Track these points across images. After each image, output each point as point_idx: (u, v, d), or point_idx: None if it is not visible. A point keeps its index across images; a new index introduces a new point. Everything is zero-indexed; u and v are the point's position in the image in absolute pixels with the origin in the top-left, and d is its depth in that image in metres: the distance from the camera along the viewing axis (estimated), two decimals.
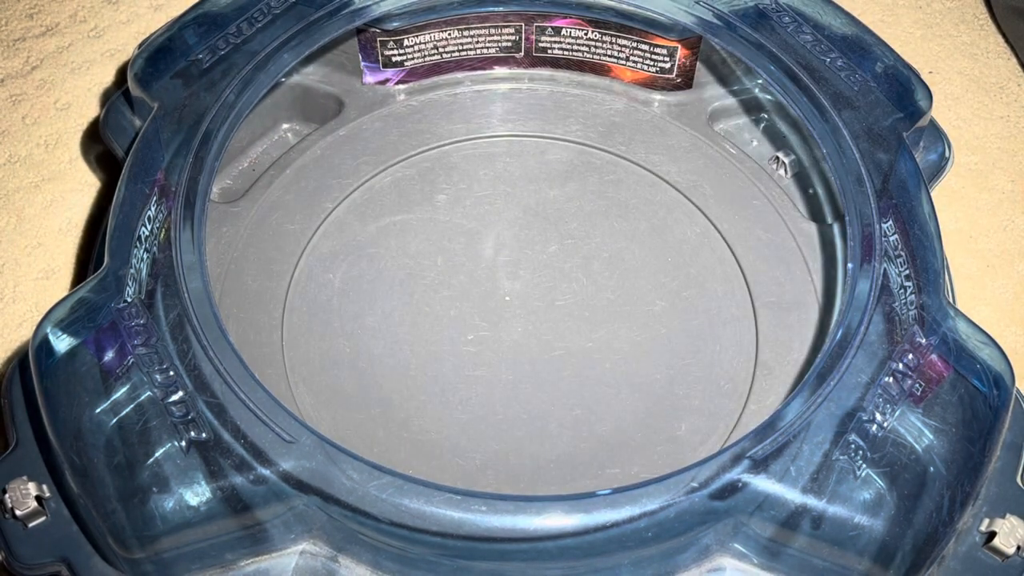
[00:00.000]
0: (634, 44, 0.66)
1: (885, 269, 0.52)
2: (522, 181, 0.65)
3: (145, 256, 0.51)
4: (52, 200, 0.72)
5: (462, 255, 0.62)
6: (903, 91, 0.59)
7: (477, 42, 0.67)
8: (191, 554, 0.47)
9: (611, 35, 0.66)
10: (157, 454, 0.46)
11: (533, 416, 0.57)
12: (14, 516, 0.48)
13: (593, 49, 0.67)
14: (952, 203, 0.73)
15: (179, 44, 0.60)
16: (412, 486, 0.45)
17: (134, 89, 0.59)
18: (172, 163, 0.55)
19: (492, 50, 0.68)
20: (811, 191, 0.65)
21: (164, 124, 0.57)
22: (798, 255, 0.62)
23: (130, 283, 0.51)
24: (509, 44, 0.67)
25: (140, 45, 0.61)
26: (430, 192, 0.65)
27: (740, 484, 0.46)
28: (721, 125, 0.68)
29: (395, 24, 0.64)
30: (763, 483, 0.46)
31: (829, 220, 0.63)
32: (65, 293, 0.53)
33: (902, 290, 0.52)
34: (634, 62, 0.67)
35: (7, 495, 0.48)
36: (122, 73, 0.76)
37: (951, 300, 0.54)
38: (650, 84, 0.68)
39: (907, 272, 0.52)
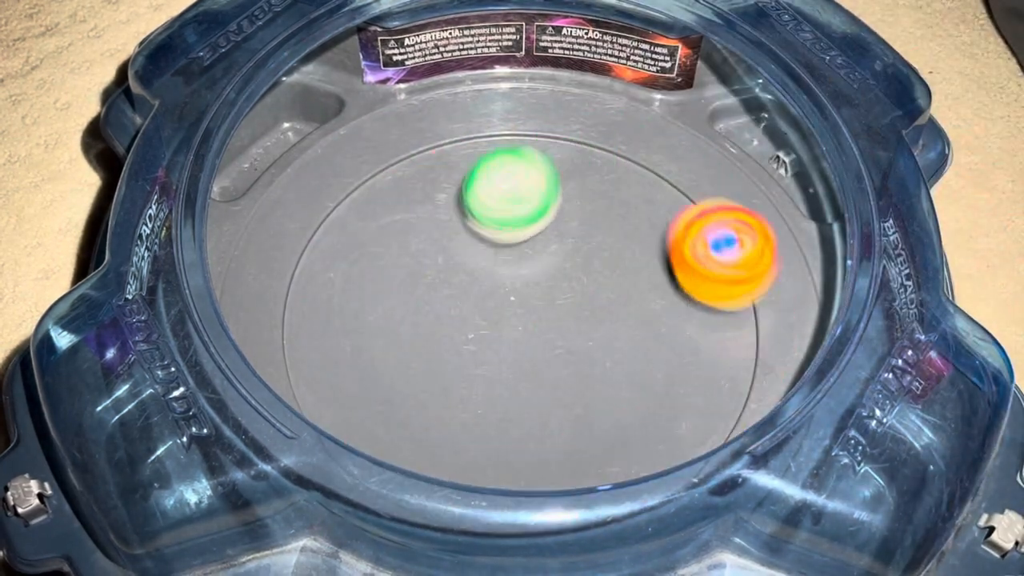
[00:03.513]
0: (635, 43, 0.66)
1: (884, 267, 0.52)
2: None
3: (146, 254, 0.52)
4: (52, 200, 0.72)
5: (463, 254, 0.62)
6: (902, 89, 0.60)
7: (478, 41, 0.67)
8: (192, 550, 0.47)
9: (612, 34, 0.66)
10: (159, 450, 0.46)
11: (533, 415, 0.57)
12: (16, 513, 0.48)
13: (594, 48, 0.67)
14: (952, 203, 0.73)
15: (180, 42, 0.60)
16: (413, 482, 0.45)
17: (135, 87, 0.59)
18: (173, 161, 0.55)
19: (493, 49, 0.68)
20: (811, 190, 0.65)
21: (165, 122, 0.57)
22: (798, 254, 0.62)
23: (131, 280, 0.51)
24: (510, 43, 0.68)
25: (141, 43, 0.61)
26: (431, 191, 0.65)
27: (740, 480, 0.46)
28: (722, 124, 0.68)
29: (396, 23, 0.64)
30: (763, 479, 0.46)
31: (829, 219, 0.63)
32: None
33: (902, 288, 0.52)
34: (635, 61, 0.67)
35: (9, 492, 0.49)
36: (122, 72, 0.76)
37: (951, 298, 0.54)
38: (651, 83, 0.68)
39: (907, 270, 0.52)
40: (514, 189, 0.59)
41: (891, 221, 0.54)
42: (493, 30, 0.67)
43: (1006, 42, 0.82)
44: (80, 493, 0.47)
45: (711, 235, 0.56)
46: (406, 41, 0.66)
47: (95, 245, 0.64)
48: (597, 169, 0.66)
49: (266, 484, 0.46)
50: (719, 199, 0.60)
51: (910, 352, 0.49)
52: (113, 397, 0.47)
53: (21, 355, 0.53)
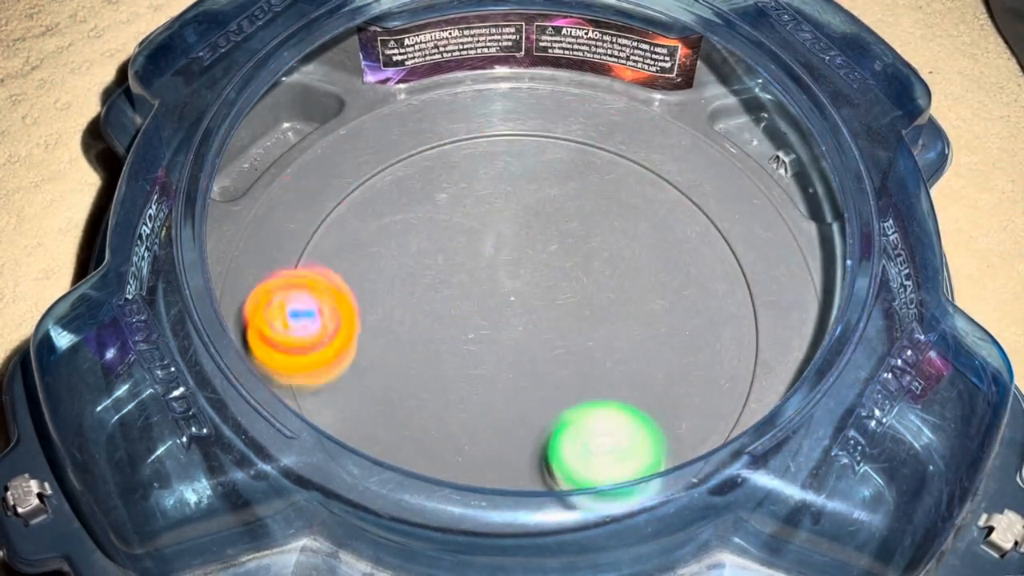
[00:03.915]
0: (635, 43, 0.66)
1: (884, 267, 0.52)
2: (522, 180, 0.65)
3: (146, 254, 0.52)
4: (52, 200, 0.72)
5: (463, 254, 0.62)
6: (902, 89, 0.60)
7: (478, 41, 0.67)
8: (192, 550, 0.47)
9: (612, 34, 0.66)
10: (159, 450, 0.46)
11: (533, 415, 0.57)
12: (16, 513, 0.48)
13: (594, 48, 0.67)
14: (952, 203, 0.73)
15: (180, 42, 0.60)
16: (412, 482, 0.45)
17: (135, 87, 0.59)
18: (173, 161, 0.55)
19: (493, 49, 0.68)
20: (811, 190, 0.65)
21: (165, 122, 0.57)
22: (798, 254, 0.62)
23: (131, 280, 0.51)
24: (510, 43, 0.68)
25: (141, 43, 0.61)
26: (431, 191, 0.65)
27: (739, 480, 0.46)
28: (721, 124, 0.68)
29: (396, 23, 0.64)
30: (763, 479, 0.46)
31: (829, 219, 0.63)
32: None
33: (901, 288, 0.52)
34: (635, 61, 0.67)
35: (9, 492, 0.49)
36: (122, 72, 0.76)
37: (951, 298, 0.54)
38: (651, 83, 0.68)
39: (906, 270, 0.52)
40: (615, 447, 0.50)
41: (891, 221, 0.54)
42: (493, 30, 0.67)
43: (1006, 42, 0.82)
44: (80, 493, 0.47)
45: (290, 304, 0.54)
46: (406, 41, 0.66)
47: (95, 245, 0.64)
48: (597, 169, 0.66)
49: (266, 484, 0.46)
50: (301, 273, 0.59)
51: (910, 352, 0.50)
52: (113, 397, 0.47)
53: (21, 355, 0.53)
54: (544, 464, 0.52)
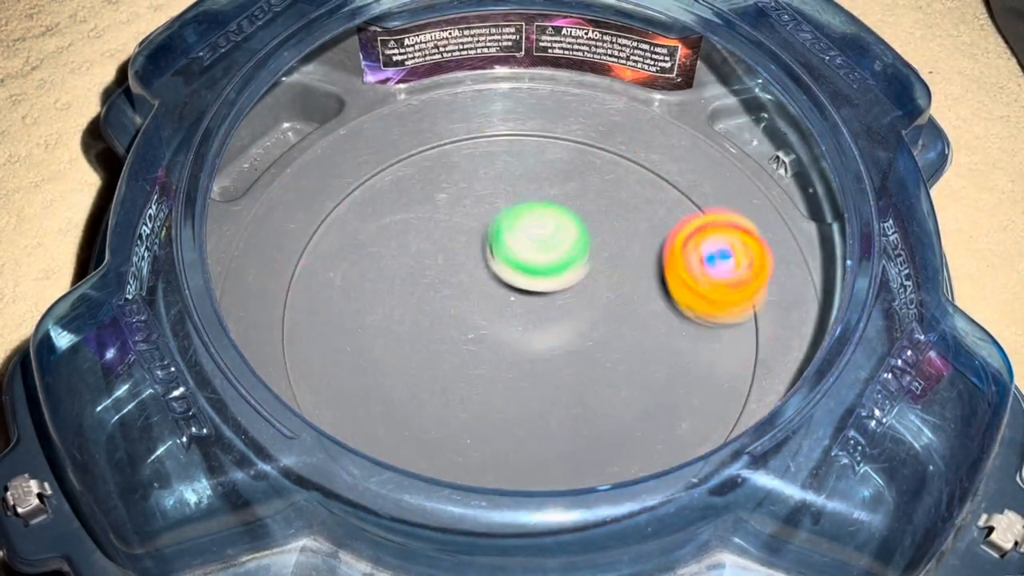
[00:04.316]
0: (635, 43, 0.66)
1: (884, 267, 0.52)
2: (522, 180, 0.65)
3: (146, 254, 0.52)
4: (52, 200, 0.72)
5: (463, 254, 0.62)
6: (902, 89, 0.60)
7: (478, 41, 0.67)
8: (192, 550, 0.47)
9: (612, 34, 0.66)
10: (159, 450, 0.46)
11: (533, 415, 0.57)
12: (16, 513, 0.48)
13: (594, 48, 0.67)
14: (952, 203, 0.73)
15: (180, 42, 0.60)
16: (412, 482, 0.45)
17: (135, 87, 0.59)
18: (173, 161, 0.55)
19: (493, 49, 0.68)
20: (811, 190, 0.65)
21: (165, 122, 0.57)
22: (798, 254, 0.62)
23: (131, 280, 0.51)
24: (510, 43, 0.68)
25: (141, 43, 0.61)
26: (431, 191, 0.65)
27: (739, 480, 0.46)
28: (721, 124, 0.68)
29: (396, 23, 0.64)
30: (762, 479, 0.46)
31: (829, 219, 0.63)
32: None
33: (901, 288, 0.52)
34: (635, 61, 0.67)
35: (9, 492, 0.49)
36: (122, 72, 0.76)
37: (951, 298, 0.54)
38: (651, 83, 0.68)
39: (906, 270, 0.52)
40: (546, 237, 0.58)
41: (891, 221, 0.54)
42: (493, 30, 0.67)
43: (1006, 42, 0.82)
44: (80, 493, 0.47)
45: (705, 248, 0.56)
46: (406, 41, 0.66)
47: (95, 245, 0.64)
48: (597, 169, 0.66)
49: (266, 484, 0.46)
50: (717, 211, 0.60)
51: (910, 352, 0.49)
52: (113, 397, 0.47)
53: (21, 355, 0.53)
54: (491, 252, 0.59)
